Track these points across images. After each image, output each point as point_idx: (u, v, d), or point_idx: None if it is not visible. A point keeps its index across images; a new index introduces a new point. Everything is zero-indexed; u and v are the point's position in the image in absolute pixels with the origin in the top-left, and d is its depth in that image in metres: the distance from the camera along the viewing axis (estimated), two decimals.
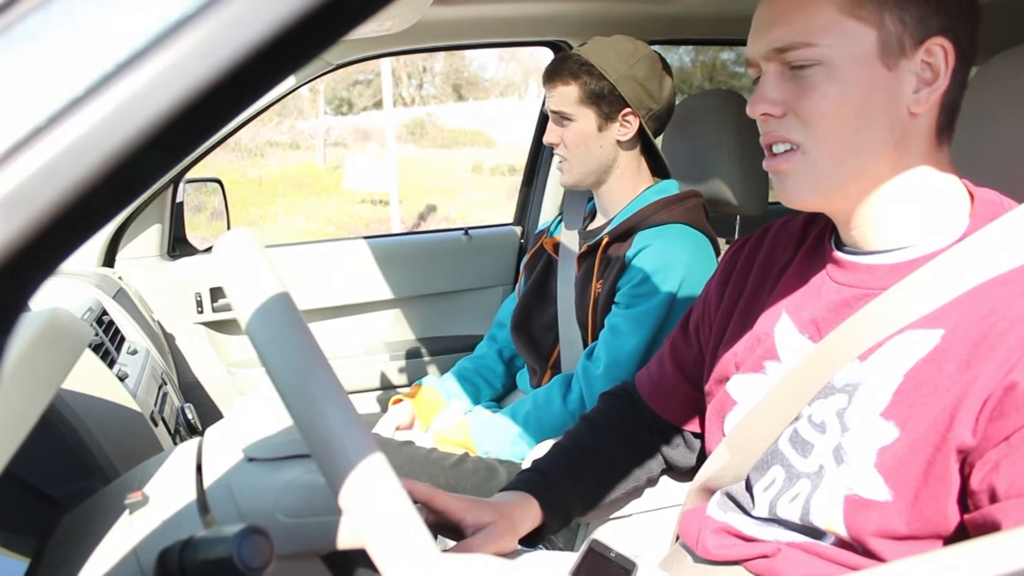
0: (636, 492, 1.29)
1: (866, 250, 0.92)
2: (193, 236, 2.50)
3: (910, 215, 0.88)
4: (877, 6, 0.82)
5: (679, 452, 1.26)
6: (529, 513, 1.08)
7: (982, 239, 0.82)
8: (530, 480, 1.13)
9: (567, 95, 1.70)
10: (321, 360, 0.66)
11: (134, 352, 1.51)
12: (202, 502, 0.77)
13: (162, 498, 0.78)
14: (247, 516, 0.73)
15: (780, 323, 1.00)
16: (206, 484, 0.79)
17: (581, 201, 1.94)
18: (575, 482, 1.16)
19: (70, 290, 1.66)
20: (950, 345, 0.80)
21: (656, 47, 2.32)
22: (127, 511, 0.77)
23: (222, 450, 0.84)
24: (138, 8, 0.38)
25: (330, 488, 0.64)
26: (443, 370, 2.47)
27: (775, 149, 0.90)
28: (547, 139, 1.77)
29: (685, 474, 1.27)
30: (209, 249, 2.45)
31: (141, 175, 0.40)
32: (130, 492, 0.79)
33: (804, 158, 0.87)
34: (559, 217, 2.00)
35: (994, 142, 1.06)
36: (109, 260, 2.24)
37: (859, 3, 0.82)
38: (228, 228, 2.51)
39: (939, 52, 0.83)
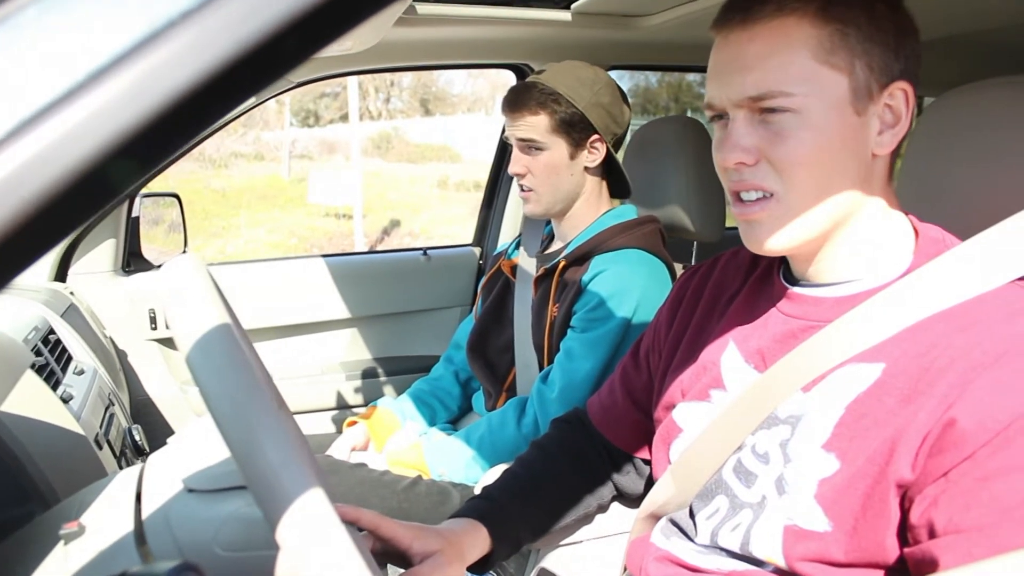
0: (587, 519, 1.29)
1: (814, 283, 0.93)
2: (149, 250, 2.46)
3: (860, 251, 0.90)
4: (849, 53, 0.83)
5: (629, 479, 1.26)
6: (477, 540, 1.08)
7: (924, 275, 0.83)
8: (479, 507, 1.12)
9: (537, 125, 1.70)
10: (261, 393, 0.65)
11: (80, 372, 1.48)
12: (139, 533, 0.76)
13: (99, 529, 0.77)
14: (185, 549, 0.72)
15: (727, 352, 1.00)
16: (144, 514, 0.78)
17: (540, 224, 1.94)
18: (524, 509, 1.16)
19: (15, 309, 1.62)
20: (891, 379, 0.81)
21: (617, 70, 2.36)
22: (62, 542, 0.76)
23: (163, 479, 0.83)
24: (105, 26, 0.37)
25: (268, 523, 0.64)
26: (399, 391, 2.45)
27: (745, 196, 0.89)
28: (513, 169, 1.76)
29: (635, 501, 1.27)
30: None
31: (103, 189, 0.39)
32: (67, 521, 0.78)
33: (778, 205, 0.87)
34: (517, 239, 2.01)
35: (942, 178, 1.08)
36: (61, 275, 2.20)
37: (832, 51, 0.83)
38: (185, 242, 2.48)
39: (900, 96, 0.85)
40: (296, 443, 0.67)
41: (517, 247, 1.98)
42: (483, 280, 2.04)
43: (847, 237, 0.90)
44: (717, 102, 0.88)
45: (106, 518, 0.79)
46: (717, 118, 0.91)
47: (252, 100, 2.07)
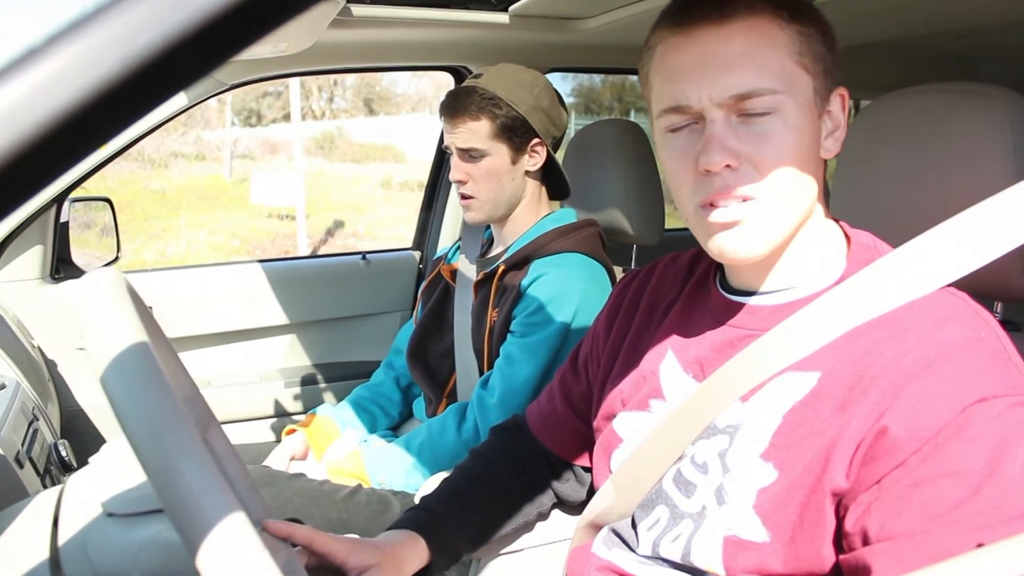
0: (527, 527, 1.28)
1: (749, 290, 0.93)
2: (80, 255, 2.39)
3: (795, 258, 0.90)
4: (814, 56, 0.84)
5: (569, 486, 1.25)
6: (416, 552, 1.07)
7: (856, 283, 0.83)
8: (416, 518, 1.11)
9: (478, 131, 1.68)
10: (179, 415, 0.63)
11: (1, 387, 1.43)
12: (55, 560, 0.73)
13: (11, 556, 0.73)
14: None
15: (665, 361, 1.00)
16: (61, 540, 0.75)
17: (479, 228, 1.93)
18: (463, 519, 1.15)
19: None
20: (826, 388, 0.81)
21: (556, 72, 2.35)
22: None
23: (82, 502, 0.79)
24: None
25: (187, 550, 0.61)
26: (339, 397, 2.42)
27: (723, 203, 0.84)
28: (453, 177, 1.74)
29: (576, 508, 1.26)
30: None
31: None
32: None
33: (757, 207, 0.84)
34: (457, 244, 1.99)
35: (873, 182, 1.09)
36: None
37: (803, 52, 0.83)
38: (118, 247, 2.42)
39: (837, 101, 0.87)
40: (218, 465, 0.65)
41: (457, 252, 1.96)
42: (423, 285, 2.02)
43: (796, 243, 0.89)
44: (695, 103, 0.83)
45: (19, 545, 0.75)
46: (681, 125, 0.86)
47: (181, 102, 2.02)
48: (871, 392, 0.77)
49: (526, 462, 1.24)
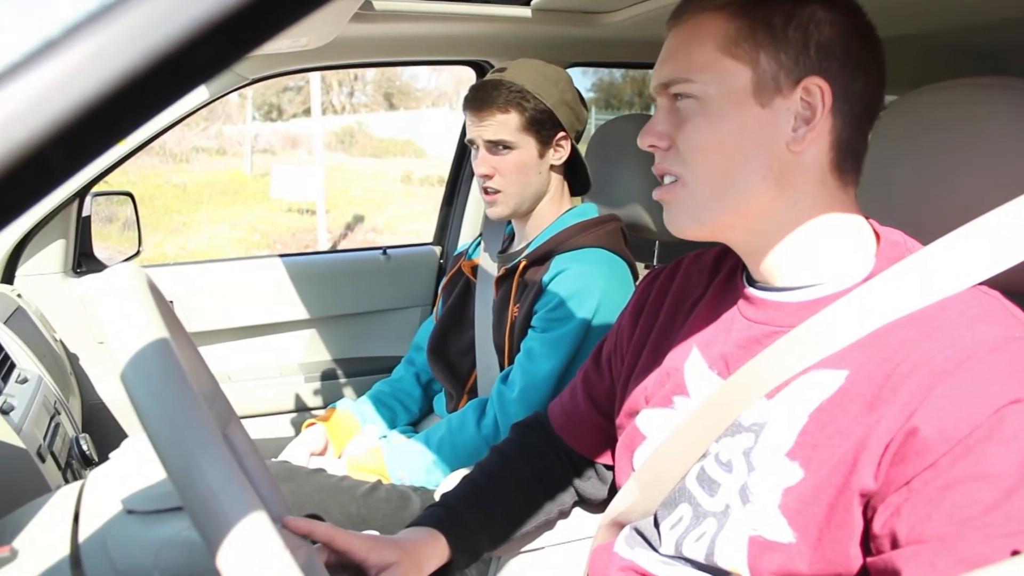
0: (548, 525, 1.28)
1: (775, 287, 0.92)
2: (102, 249, 2.40)
3: (812, 253, 0.89)
4: (753, 45, 0.84)
5: (590, 484, 1.25)
6: (436, 550, 1.06)
7: (886, 280, 0.82)
8: (437, 515, 1.10)
9: (506, 123, 1.68)
10: (200, 412, 0.62)
11: (24, 381, 1.43)
12: (75, 557, 0.72)
13: (32, 552, 0.73)
14: (123, 574, 0.69)
15: (690, 358, 0.99)
16: (81, 537, 0.74)
17: (500, 224, 1.92)
18: (483, 517, 1.14)
19: None
20: (854, 386, 0.79)
21: (578, 67, 2.34)
22: None
23: (102, 498, 0.79)
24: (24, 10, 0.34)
25: (207, 549, 0.61)
26: (359, 392, 2.42)
27: (665, 180, 0.93)
28: (479, 171, 1.73)
29: (597, 506, 1.25)
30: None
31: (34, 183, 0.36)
32: (0, 544, 0.74)
33: (683, 189, 0.90)
34: (478, 239, 1.98)
35: (900, 180, 1.07)
36: (8, 277, 2.13)
37: (736, 43, 0.85)
38: (139, 242, 2.42)
39: (816, 91, 0.84)
40: (239, 462, 0.64)
41: (477, 247, 1.95)
42: (443, 281, 2.02)
43: (782, 235, 0.89)
44: (651, 92, 0.95)
45: (41, 541, 0.75)
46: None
47: (202, 96, 2.03)
48: (901, 391, 0.75)
49: (547, 460, 1.24)
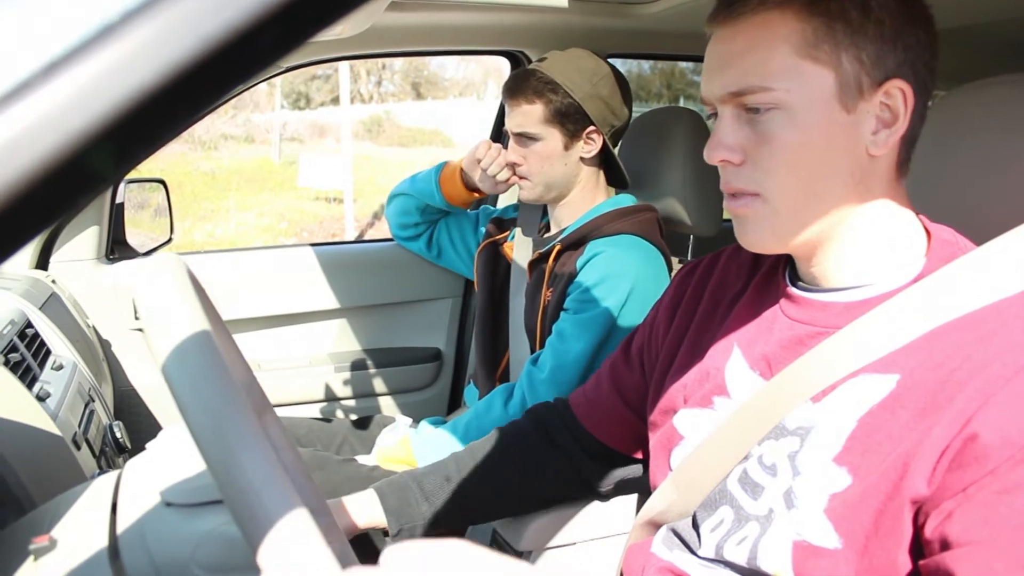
0: (539, 504, 1.33)
1: (821, 287, 0.90)
2: (134, 235, 2.41)
3: (867, 253, 0.86)
4: (834, 46, 0.79)
5: (603, 471, 1.28)
6: (364, 508, 1.15)
7: (938, 281, 0.80)
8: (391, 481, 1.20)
9: (531, 114, 1.69)
10: (241, 406, 0.61)
11: (59, 367, 1.44)
12: (114, 548, 0.72)
13: (70, 542, 0.73)
14: (161, 567, 0.69)
15: (731, 358, 0.97)
16: (119, 528, 0.74)
17: (536, 209, 1.93)
18: (435, 485, 1.21)
19: None
20: (906, 391, 0.77)
21: (614, 58, 2.31)
22: (32, 556, 0.72)
23: (140, 489, 0.79)
24: (51, 20, 0.33)
25: (248, 544, 0.60)
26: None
27: (730, 194, 0.88)
28: (508, 158, 1.76)
29: (630, 501, 1.25)
30: (150, 252, 2.37)
31: (88, 175, 0.35)
32: (38, 533, 0.74)
33: (764, 205, 0.85)
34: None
35: (949, 177, 1.05)
36: (43, 263, 2.14)
37: (815, 44, 0.79)
38: (171, 228, 2.43)
39: (898, 95, 0.81)
40: (277, 455, 0.63)
41: (513, 228, 1.98)
42: (479, 245, 2.04)
43: (850, 239, 0.86)
44: (707, 98, 0.87)
45: (79, 531, 0.75)
46: (713, 115, 0.89)
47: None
48: (957, 398, 0.73)
49: (545, 446, 1.26)
